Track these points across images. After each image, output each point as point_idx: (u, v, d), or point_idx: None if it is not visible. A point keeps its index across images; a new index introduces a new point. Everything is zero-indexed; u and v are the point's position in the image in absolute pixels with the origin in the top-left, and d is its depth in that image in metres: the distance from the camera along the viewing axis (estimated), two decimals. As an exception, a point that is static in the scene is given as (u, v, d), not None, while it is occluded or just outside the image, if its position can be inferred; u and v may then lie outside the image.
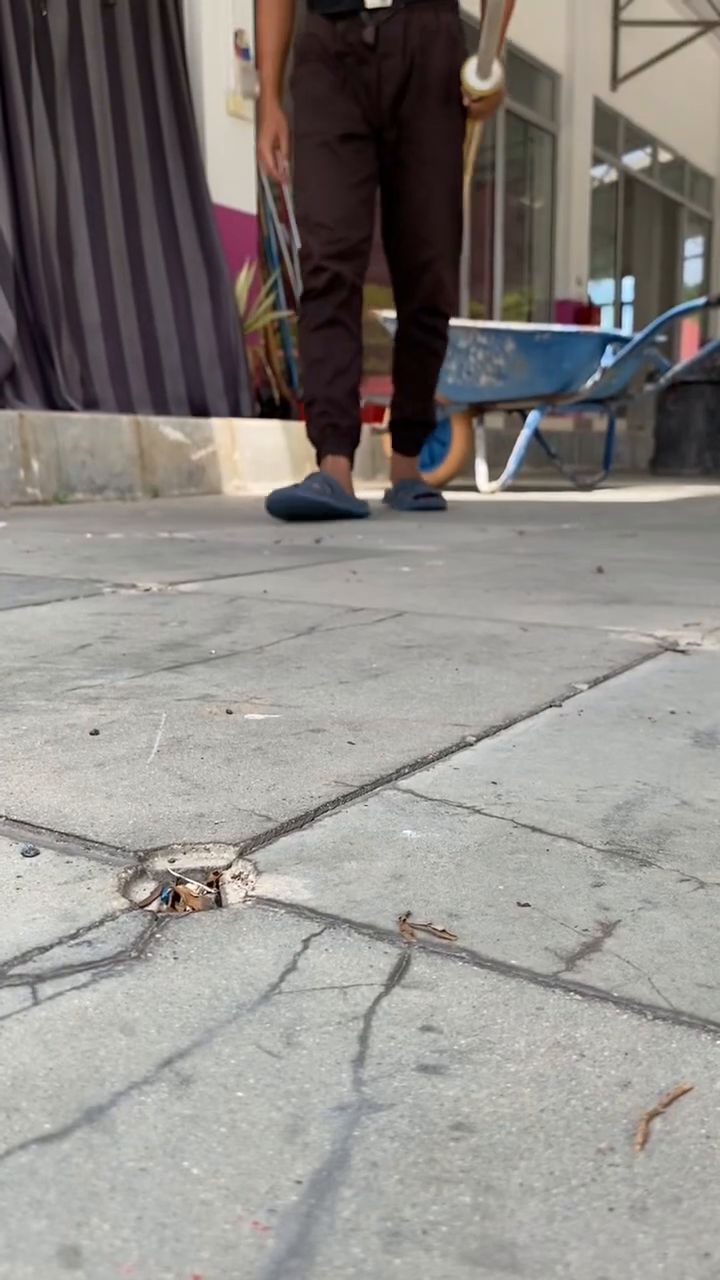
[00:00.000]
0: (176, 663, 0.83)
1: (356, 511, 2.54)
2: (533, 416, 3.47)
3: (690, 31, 8.52)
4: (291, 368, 5.94)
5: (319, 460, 2.60)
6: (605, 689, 0.75)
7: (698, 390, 4.82)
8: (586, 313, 8.53)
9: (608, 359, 3.31)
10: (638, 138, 9.48)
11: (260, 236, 5.88)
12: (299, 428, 4.28)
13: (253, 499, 3.36)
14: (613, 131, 8.97)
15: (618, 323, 11.80)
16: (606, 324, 11.09)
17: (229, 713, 0.67)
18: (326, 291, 2.58)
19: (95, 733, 0.63)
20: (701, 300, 3.17)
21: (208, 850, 0.45)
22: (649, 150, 9.94)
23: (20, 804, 0.51)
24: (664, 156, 10.10)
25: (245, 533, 2.06)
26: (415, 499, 2.87)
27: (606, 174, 9.64)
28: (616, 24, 8.37)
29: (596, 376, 3.32)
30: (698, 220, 11.60)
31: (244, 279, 5.35)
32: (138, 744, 0.61)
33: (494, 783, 0.54)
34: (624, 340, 3.37)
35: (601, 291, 11.49)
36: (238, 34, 5.52)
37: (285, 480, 4.15)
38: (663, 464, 5.14)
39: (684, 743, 0.62)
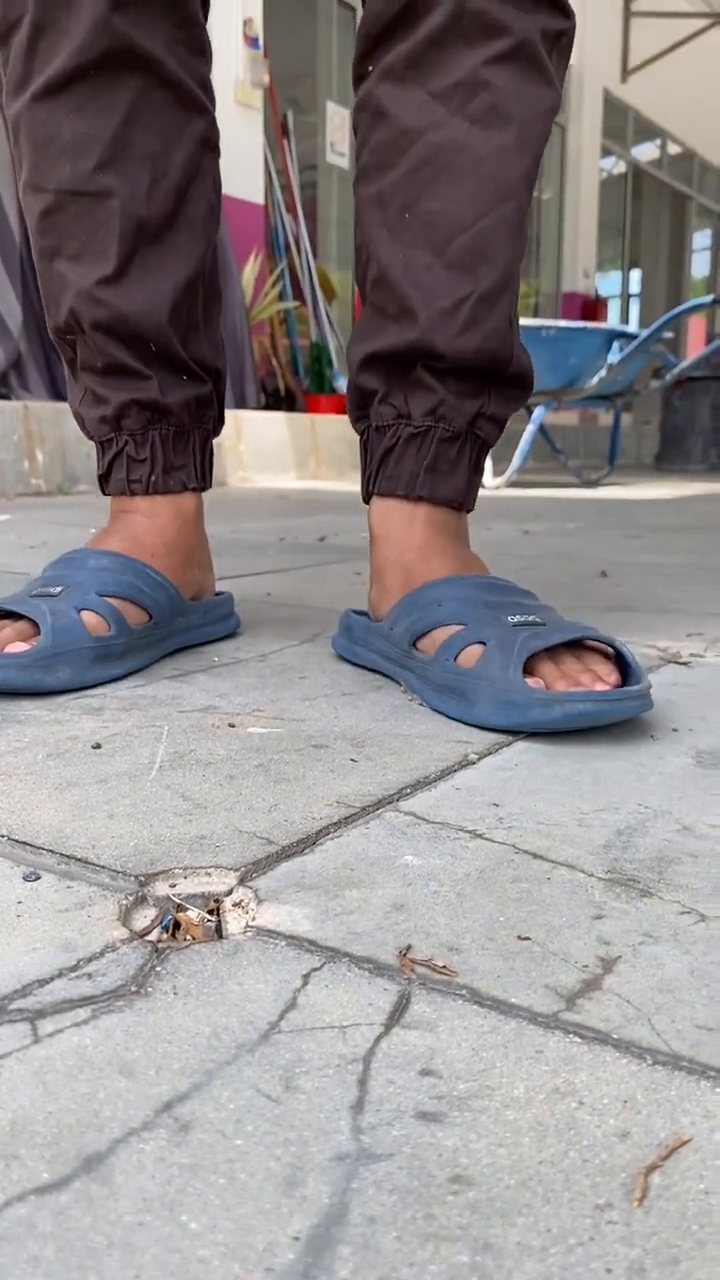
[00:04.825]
0: (180, 671, 0.83)
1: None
2: (538, 412, 3.46)
3: (703, 23, 8.47)
4: (297, 357, 5.94)
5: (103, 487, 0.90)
6: (608, 704, 0.74)
7: (704, 386, 4.81)
8: (593, 306, 8.51)
9: (614, 355, 3.30)
10: (647, 130, 9.44)
11: (267, 227, 5.87)
12: (303, 419, 4.27)
13: (256, 492, 3.36)
14: (622, 123, 8.93)
15: (624, 315, 11.77)
16: (613, 317, 11.06)
17: (231, 726, 0.67)
18: None
19: (97, 746, 0.63)
20: (709, 298, 3.16)
21: (209, 875, 0.45)
22: (658, 142, 9.90)
23: (22, 823, 0.51)
24: (673, 149, 10.05)
25: (249, 529, 2.06)
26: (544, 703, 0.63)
27: (615, 166, 9.61)
28: (628, 15, 8.32)
29: (602, 373, 3.31)
30: (706, 213, 11.55)
31: (250, 270, 5.34)
32: (140, 759, 0.61)
33: (495, 804, 0.54)
34: (630, 336, 3.36)
35: (609, 284, 11.47)
36: (246, 22, 5.51)
37: (289, 474, 4.14)
38: (667, 460, 5.13)
39: (686, 762, 0.62)
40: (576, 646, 0.71)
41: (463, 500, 0.82)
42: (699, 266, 13.29)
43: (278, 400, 5.73)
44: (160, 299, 0.84)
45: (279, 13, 5.97)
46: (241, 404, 5.07)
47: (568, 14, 0.77)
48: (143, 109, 0.81)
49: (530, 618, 0.72)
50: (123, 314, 0.83)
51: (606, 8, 8.04)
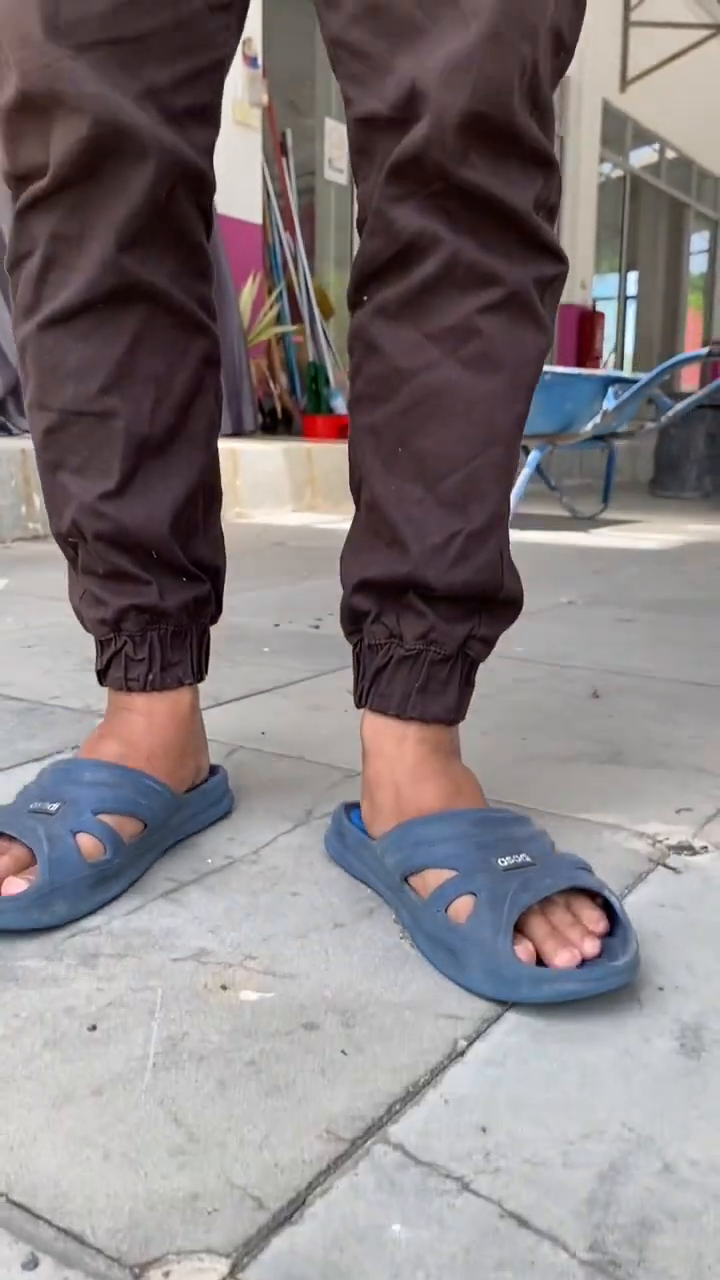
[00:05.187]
0: (174, 882, 0.84)
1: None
2: (533, 456, 3.47)
3: (703, 34, 8.44)
4: (295, 377, 5.94)
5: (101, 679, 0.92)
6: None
7: (698, 414, 4.82)
8: (590, 318, 8.51)
9: (609, 401, 3.31)
10: (645, 139, 9.44)
11: (265, 246, 5.87)
12: (300, 451, 4.27)
13: (254, 533, 3.36)
14: (620, 133, 8.93)
15: (621, 317, 11.80)
16: (610, 321, 11.10)
17: (224, 988, 0.69)
18: (74, 181, 0.75)
19: (93, 1028, 0.64)
20: (703, 350, 3.17)
21: (201, 1260, 0.47)
22: (656, 149, 9.89)
23: (19, 1167, 0.52)
24: (671, 156, 10.05)
25: (246, 604, 2.07)
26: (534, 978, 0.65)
27: (613, 171, 9.61)
28: (627, 25, 8.30)
29: (597, 419, 3.32)
30: (703, 217, 11.56)
31: (248, 291, 5.33)
32: (134, 1047, 0.62)
33: (483, 1129, 0.56)
34: (626, 381, 3.37)
35: (606, 285, 11.50)
36: (245, 42, 5.49)
37: (285, 506, 4.15)
38: (662, 486, 5.14)
39: (671, 1048, 0.63)
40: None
41: (454, 716, 0.84)
42: (696, 265, 13.34)
43: (274, 421, 5.74)
44: (161, 512, 0.86)
45: (279, 19, 5.95)
46: (239, 427, 5.08)
47: (561, 259, 0.78)
48: (147, 335, 0.83)
49: (521, 857, 0.74)
50: (124, 527, 0.85)
51: (606, 18, 8.01)
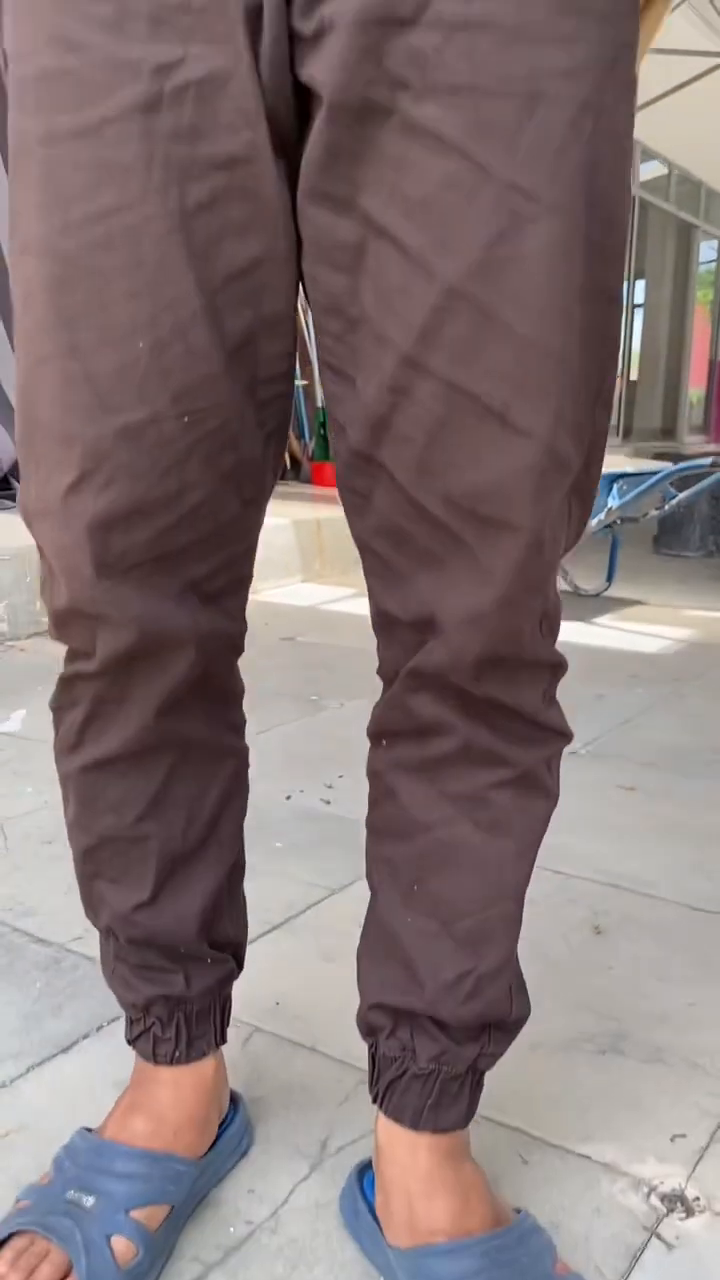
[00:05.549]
0: (201, 1266, 0.90)
1: None
2: (539, 548, 3.52)
3: (713, 62, 8.42)
4: (304, 423, 5.97)
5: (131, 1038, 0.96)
6: None
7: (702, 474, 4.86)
8: (598, 347, 8.52)
9: (614, 499, 3.36)
10: (653, 162, 9.44)
11: (274, 293, 5.87)
12: (309, 522, 4.32)
13: (263, 614, 3.40)
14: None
15: (628, 325, 11.82)
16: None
17: None
18: (118, 666, 0.79)
19: None
20: (707, 461, 3.22)
21: None
22: (665, 172, 9.90)
23: None
24: (680, 180, 10.06)
25: (257, 756, 2.11)
26: None
27: (623, 192, 9.62)
28: (638, 52, 8.28)
29: (602, 515, 3.38)
30: (711, 233, 11.57)
31: (257, 345, 5.33)
32: None
33: None
34: (631, 476, 3.42)
35: (614, 294, 11.52)
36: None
37: (295, 577, 4.20)
38: (665, 545, 5.19)
39: None
40: None
41: (464, 1123, 0.90)
42: (705, 269, 13.35)
43: (282, 469, 5.78)
44: (190, 915, 0.92)
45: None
46: (246, 480, 5.11)
47: (568, 735, 0.84)
48: (181, 769, 0.89)
49: None
50: (155, 932, 0.92)
51: (617, 45, 7.99)
